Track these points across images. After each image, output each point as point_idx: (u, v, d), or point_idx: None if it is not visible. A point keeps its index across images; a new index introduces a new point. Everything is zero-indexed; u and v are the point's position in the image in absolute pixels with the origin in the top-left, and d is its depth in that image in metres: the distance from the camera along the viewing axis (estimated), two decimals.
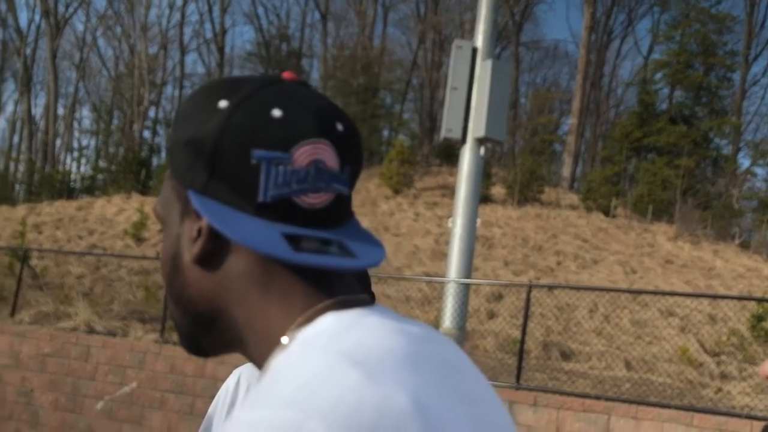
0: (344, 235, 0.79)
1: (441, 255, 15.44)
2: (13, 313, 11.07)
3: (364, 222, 17.64)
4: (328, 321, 0.73)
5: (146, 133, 36.67)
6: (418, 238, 17.10)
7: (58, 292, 12.34)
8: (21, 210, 19.76)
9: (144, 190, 26.04)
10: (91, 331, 9.92)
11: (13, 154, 35.97)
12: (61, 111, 35.93)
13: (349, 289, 0.79)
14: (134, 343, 9.26)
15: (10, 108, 39.18)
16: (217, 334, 0.81)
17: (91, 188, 25.71)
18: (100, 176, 27.46)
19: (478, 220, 8.99)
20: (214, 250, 0.77)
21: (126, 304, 12.09)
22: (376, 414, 0.62)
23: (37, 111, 35.61)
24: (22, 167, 33.57)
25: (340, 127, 0.79)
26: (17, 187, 30.17)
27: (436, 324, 9.26)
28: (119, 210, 19.90)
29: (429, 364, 0.72)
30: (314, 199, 0.76)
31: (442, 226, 18.18)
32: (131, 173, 26.84)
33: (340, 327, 0.72)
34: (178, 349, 8.80)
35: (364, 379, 0.65)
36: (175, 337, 9.58)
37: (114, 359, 9.08)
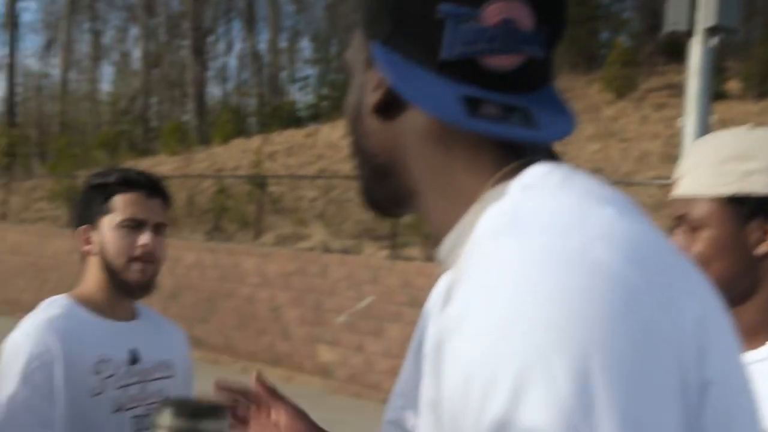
0: (535, 103, 0.73)
1: (672, 158, 14.67)
2: (257, 236, 11.94)
3: (587, 129, 17.09)
4: (542, 169, 0.70)
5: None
6: (645, 142, 16.34)
7: (294, 215, 13.11)
8: (255, 141, 21.01)
9: None
10: (327, 250, 10.48)
11: (244, 90, 38.24)
12: (283, 44, 37.59)
13: (545, 150, 0.75)
14: (368, 259, 9.68)
15: (238, 46, 41.51)
16: (392, 188, 0.79)
17: (316, 115, 26.82)
18: (323, 103, 28.56)
19: (713, 117, 8.39)
20: (393, 101, 0.74)
21: (357, 224, 12.63)
22: (645, 247, 0.62)
23: (262, 46, 37.51)
24: (253, 101, 35.67)
25: None
26: (250, 120, 32.15)
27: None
28: (343, 134, 20.64)
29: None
30: (501, 61, 0.71)
31: (672, 128, 17.21)
32: None
33: (560, 172, 0.69)
34: (411, 264, 9.09)
35: (622, 216, 0.64)
36: (406, 252, 9.91)
37: (350, 275, 9.55)
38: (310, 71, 38.60)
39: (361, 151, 0.80)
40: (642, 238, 0.63)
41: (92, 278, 1.93)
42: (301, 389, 9.47)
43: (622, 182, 11.11)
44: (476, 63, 0.71)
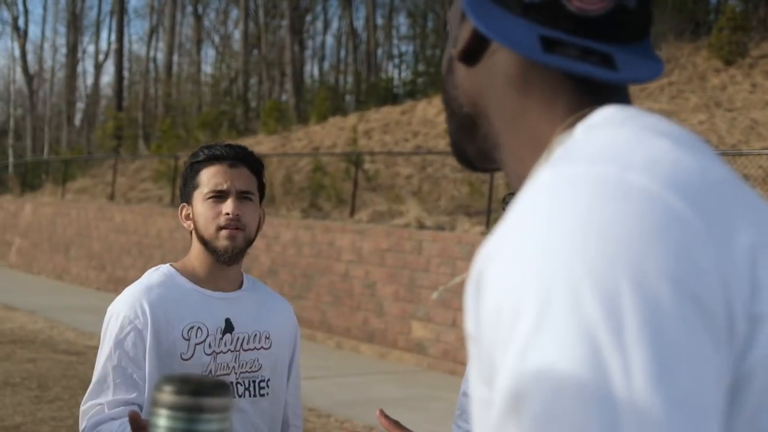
0: (621, 52, 0.71)
1: None
2: (352, 213, 11.98)
3: (692, 98, 16.40)
4: (611, 110, 0.68)
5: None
6: (756, 111, 15.56)
7: (390, 192, 13.10)
8: (351, 119, 21.10)
9: None
10: (421, 226, 10.42)
11: (341, 68, 38.49)
12: (379, 21, 37.59)
13: (622, 102, 0.72)
14: (462, 235, 9.57)
15: (335, 24, 41.76)
16: (477, 140, 0.80)
17: (412, 92, 26.70)
18: (419, 80, 28.45)
19: None
20: (478, 48, 0.76)
21: (452, 200, 12.51)
22: (694, 176, 0.61)
23: (359, 24, 37.62)
24: (349, 79, 35.84)
25: None
26: (347, 98, 32.32)
27: None
28: (439, 110, 20.47)
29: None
30: (586, 4, 0.70)
31: None
32: None
33: (629, 113, 0.68)
34: None
35: (676, 147, 0.63)
36: None
37: (444, 252, 9.48)
38: (407, 48, 38.49)
39: (450, 104, 0.82)
40: (694, 170, 0.62)
41: (194, 251, 2.05)
42: (394, 365, 9.48)
43: (729, 153, 10.60)
44: (559, 5, 0.70)
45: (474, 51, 0.77)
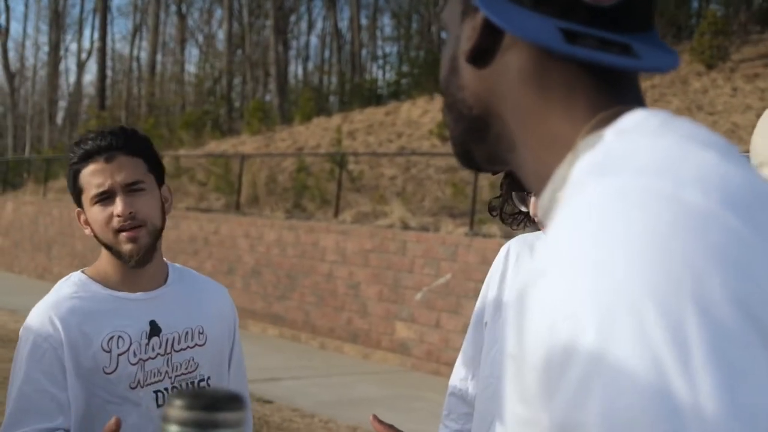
0: (636, 41, 0.69)
1: None
2: (336, 214, 11.99)
3: (674, 102, 16.51)
4: (641, 114, 0.66)
5: (444, 34, 36.43)
6: (736, 115, 15.70)
7: (374, 193, 13.12)
8: (336, 119, 21.10)
9: None
10: (405, 227, 10.44)
11: (325, 68, 38.46)
12: (364, 22, 37.55)
13: (637, 100, 0.71)
14: (446, 236, 9.59)
15: (319, 24, 41.73)
16: (489, 142, 0.77)
17: (396, 93, 26.71)
18: (404, 81, 28.47)
19: None
20: (488, 46, 0.72)
21: (436, 201, 12.55)
22: (745, 189, 0.59)
23: (343, 24, 37.60)
24: (334, 80, 35.82)
25: None
26: (331, 98, 32.31)
27: None
28: (423, 112, 20.52)
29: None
30: None
31: (765, 100, 16.48)
32: (432, 75, 27.42)
33: (661, 118, 0.66)
34: (489, 241, 8.97)
35: (722, 159, 0.60)
36: (484, 229, 9.79)
37: (428, 252, 9.50)
38: (391, 48, 38.48)
39: (456, 106, 0.78)
40: (743, 183, 0.59)
41: (103, 255, 1.86)
42: (378, 366, 9.50)
43: None
44: None
45: (483, 50, 0.73)
